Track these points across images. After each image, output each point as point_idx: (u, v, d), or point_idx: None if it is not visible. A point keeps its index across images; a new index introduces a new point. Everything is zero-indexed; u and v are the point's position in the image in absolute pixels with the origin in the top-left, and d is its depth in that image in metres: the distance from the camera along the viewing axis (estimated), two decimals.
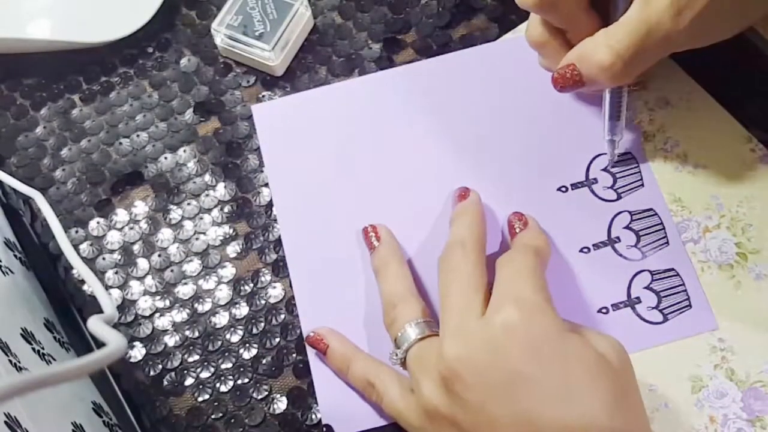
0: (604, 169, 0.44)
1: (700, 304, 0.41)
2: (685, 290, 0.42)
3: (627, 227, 0.43)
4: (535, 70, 0.45)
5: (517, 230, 0.42)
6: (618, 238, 0.43)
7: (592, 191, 0.44)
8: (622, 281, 0.43)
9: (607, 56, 0.37)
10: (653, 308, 0.42)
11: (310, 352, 0.43)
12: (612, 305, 0.42)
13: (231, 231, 0.46)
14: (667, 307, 0.42)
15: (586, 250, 0.43)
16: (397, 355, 0.39)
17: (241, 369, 0.43)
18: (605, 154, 0.45)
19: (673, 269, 0.42)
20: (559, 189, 0.45)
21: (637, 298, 0.42)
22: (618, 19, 0.37)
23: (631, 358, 0.36)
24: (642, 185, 0.44)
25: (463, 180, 0.45)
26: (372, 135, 0.47)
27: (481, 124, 0.46)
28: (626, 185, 0.44)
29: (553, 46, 0.41)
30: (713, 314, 0.41)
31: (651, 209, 0.43)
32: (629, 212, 0.44)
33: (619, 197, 0.44)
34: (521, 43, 0.43)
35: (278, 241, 0.45)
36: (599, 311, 0.42)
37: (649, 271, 0.43)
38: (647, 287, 0.42)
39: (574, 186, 0.45)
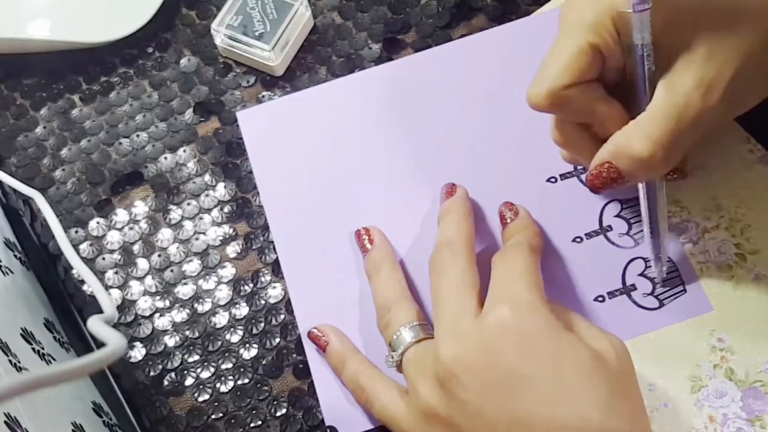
0: (657, 296, 0.42)
1: (694, 288, 0.42)
2: (679, 275, 0.42)
3: (618, 215, 0.44)
4: (521, 62, 0.45)
5: (509, 220, 0.42)
6: (610, 226, 0.43)
7: (581, 181, 0.45)
8: (617, 269, 0.43)
9: (645, 146, 0.34)
10: (648, 294, 0.42)
11: (310, 353, 0.43)
12: (608, 293, 0.42)
13: (231, 231, 0.46)
14: (662, 293, 0.42)
15: (578, 239, 0.43)
16: (393, 358, 0.39)
17: (241, 369, 0.43)
18: None
19: None
20: (548, 180, 0.45)
21: (632, 285, 0.42)
22: (643, 107, 0.35)
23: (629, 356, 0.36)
24: None
25: (452, 175, 0.45)
26: (360, 134, 0.47)
27: (468, 117, 0.46)
28: None
29: (581, 143, 0.39)
30: (707, 298, 0.41)
31: (636, 193, 0.43)
32: (619, 201, 0.44)
33: None
34: (509, 32, 0.43)
35: None
36: (596, 299, 0.42)
37: (642, 258, 0.43)
38: (641, 274, 0.42)
39: (564, 176, 0.45)
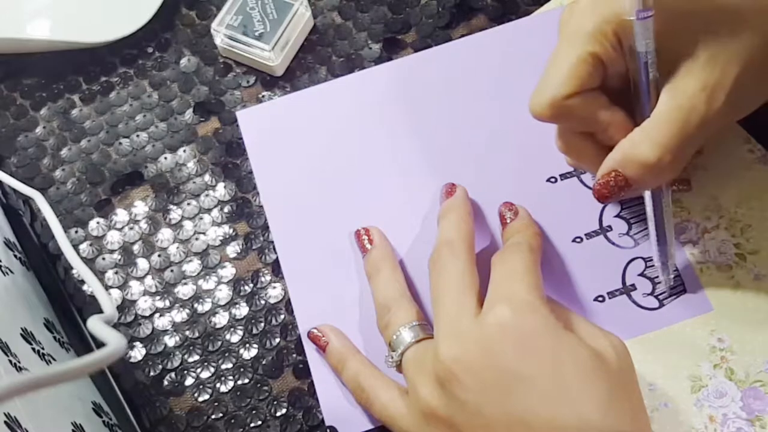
0: (657, 296, 0.43)
1: (694, 288, 0.42)
2: (679, 275, 0.42)
3: (618, 216, 0.44)
4: (521, 62, 0.45)
5: (508, 220, 0.42)
6: (610, 226, 0.44)
7: (582, 181, 0.45)
8: (617, 269, 0.43)
9: (652, 151, 0.34)
10: (648, 294, 0.42)
11: (310, 354, 0.43)
12: (608, 293, 0.42)
13: (231, 231, 0.46)
14: (662, 293, 0.42)
15: (578, 239, 0.43)
16: (392, 358, 0.39)
17: (242, 369, 0.43)
18: None
19: None
20: (548, 180, 0.45)
21: (632, 285, 0.42)
22: (647, 114, 0.35)
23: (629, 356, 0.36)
24: None
25: (452, 175, 0.45)
26: (359, 134, 0.47)
27: (468, 117, 0.46)
28: None
29: (585, 152, 0.39)
30: (707, 297, 0.41)
31: (640, 197, 0.43)
32: (619, 201, 0.44)
33: None
34: (509, 32, 0.43)
35: None
36: (596, 299, 0.42)
37: (642, 258, 0.43)
38: (641, 274, 0.43)
39: (564, 176, 0.45)
